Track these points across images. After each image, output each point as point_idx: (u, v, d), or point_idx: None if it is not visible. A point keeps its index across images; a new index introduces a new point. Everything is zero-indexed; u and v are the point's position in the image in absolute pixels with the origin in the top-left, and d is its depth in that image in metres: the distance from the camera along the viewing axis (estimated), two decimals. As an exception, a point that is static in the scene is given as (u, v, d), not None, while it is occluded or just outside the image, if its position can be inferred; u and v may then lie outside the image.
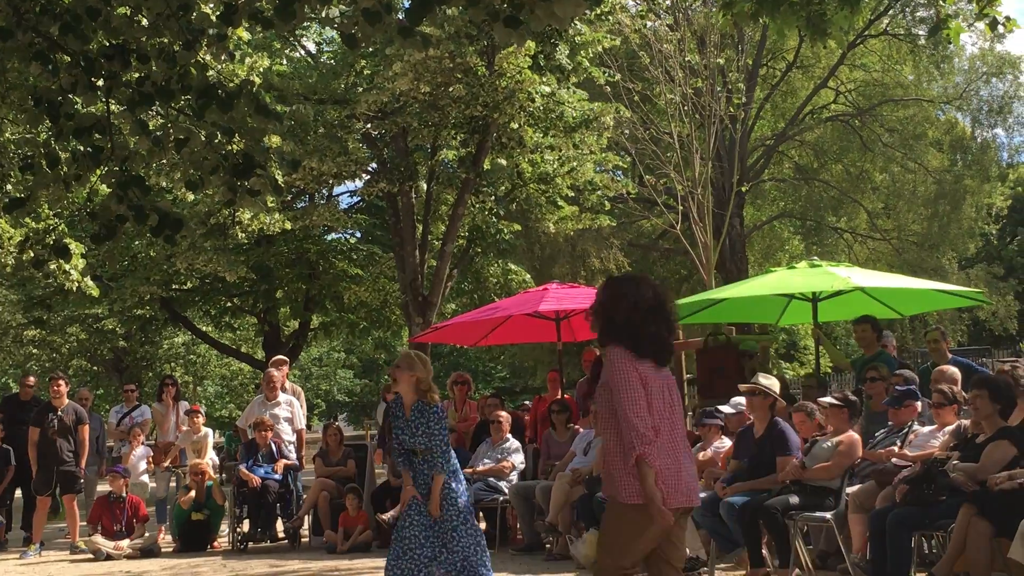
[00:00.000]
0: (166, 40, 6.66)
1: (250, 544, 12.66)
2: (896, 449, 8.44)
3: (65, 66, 6.67)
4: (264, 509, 12.63)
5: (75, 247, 12.11)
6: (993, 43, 33.52)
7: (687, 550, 9.23)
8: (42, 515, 13.21)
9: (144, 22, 6.65)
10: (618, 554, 5.10)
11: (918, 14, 31.76)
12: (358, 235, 27.78)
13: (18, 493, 14.59)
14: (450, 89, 17.07)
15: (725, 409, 10.02)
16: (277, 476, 12.64)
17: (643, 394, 5.02)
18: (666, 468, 4.99)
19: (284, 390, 13.71)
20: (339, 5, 6.29)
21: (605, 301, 5.30)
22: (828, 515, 8.45)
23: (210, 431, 14.57)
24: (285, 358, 15.03)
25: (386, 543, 11.98)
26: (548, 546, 11.15)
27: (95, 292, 13.82)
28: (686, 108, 21.55)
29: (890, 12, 31.93)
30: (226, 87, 6.88)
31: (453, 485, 7.69)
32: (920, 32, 31.49)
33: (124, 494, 12.95)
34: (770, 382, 9.22)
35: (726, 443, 9.81)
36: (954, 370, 9.35)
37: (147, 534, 13.01)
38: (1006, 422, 7.73)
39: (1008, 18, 7.57)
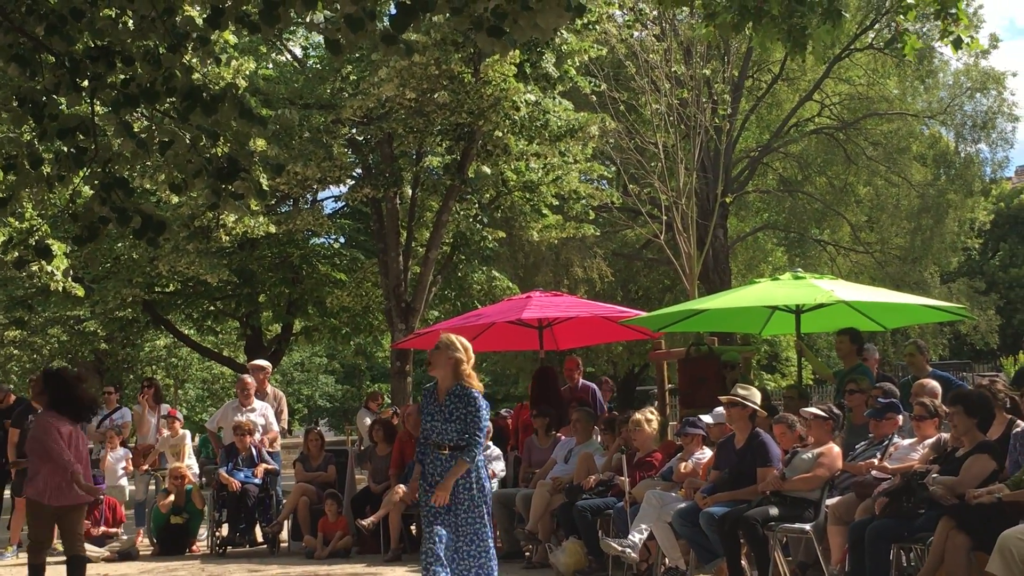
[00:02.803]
0: (151, 42, 6.65)
1: (229, 548, 12.62)
2: (876, 461, 8.46)
3: (49, 67, 6.65)
4: (243, 513, 12.60)
5: (57, 248, 12.06)
6: (978, 59, 33.66)
7: (614, 548, 9.30)
8: (20, 516, 13.14)
9: (129, 24, 6.63)
10: (33, 532, 8.99)
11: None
12: (342, 240, 27.73)
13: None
14: (435, 96, 17.07)
15: (706, 419, 10.00)
16: (257, 480, 12.60)
17: (62, 440, 8.56)
18: (57, 481, 8.52)
19: (266, 394, 13.63)
20: (324, 11, 6.28)
21: (57, 389, 8.76)
22: (807, 526, 8.47)
23: (188, 433, 14.50)
24: (265, 363, 14.83)
25: (365, 549, 11.99)
26: (528, 554, 11.14)
27: (80, 292, 13.75)
28: (671, 118, 21.60)
29: (876, 26, 32.05)
30: (211, 90, 6.86)
31: (476, 483, 7.37)
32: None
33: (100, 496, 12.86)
34: (749, 393, 9.23)
35: (707, 453, 9.80)
36: (935, 384, 9.36)
37: (125, 537, 12.94)
38: (985, 435, 7.75)
39: (973, 37, 7.58)
